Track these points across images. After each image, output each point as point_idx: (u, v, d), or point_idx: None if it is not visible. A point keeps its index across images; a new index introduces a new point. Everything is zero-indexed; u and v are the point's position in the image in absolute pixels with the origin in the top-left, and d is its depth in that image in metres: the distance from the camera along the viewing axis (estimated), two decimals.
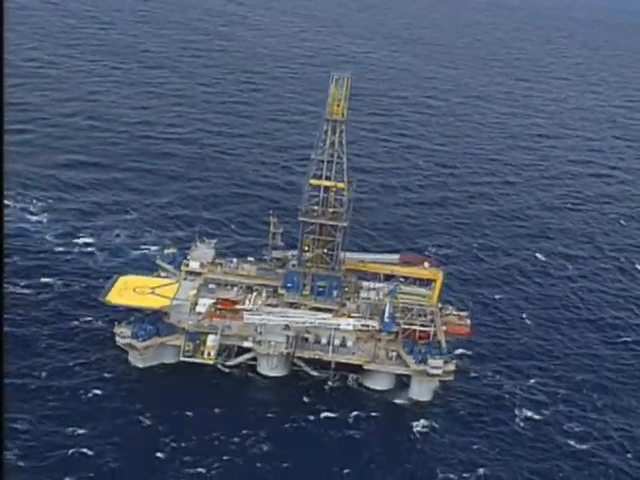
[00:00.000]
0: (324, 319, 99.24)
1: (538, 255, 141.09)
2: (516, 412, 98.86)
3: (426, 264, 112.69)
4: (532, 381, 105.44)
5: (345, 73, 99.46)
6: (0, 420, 48.31)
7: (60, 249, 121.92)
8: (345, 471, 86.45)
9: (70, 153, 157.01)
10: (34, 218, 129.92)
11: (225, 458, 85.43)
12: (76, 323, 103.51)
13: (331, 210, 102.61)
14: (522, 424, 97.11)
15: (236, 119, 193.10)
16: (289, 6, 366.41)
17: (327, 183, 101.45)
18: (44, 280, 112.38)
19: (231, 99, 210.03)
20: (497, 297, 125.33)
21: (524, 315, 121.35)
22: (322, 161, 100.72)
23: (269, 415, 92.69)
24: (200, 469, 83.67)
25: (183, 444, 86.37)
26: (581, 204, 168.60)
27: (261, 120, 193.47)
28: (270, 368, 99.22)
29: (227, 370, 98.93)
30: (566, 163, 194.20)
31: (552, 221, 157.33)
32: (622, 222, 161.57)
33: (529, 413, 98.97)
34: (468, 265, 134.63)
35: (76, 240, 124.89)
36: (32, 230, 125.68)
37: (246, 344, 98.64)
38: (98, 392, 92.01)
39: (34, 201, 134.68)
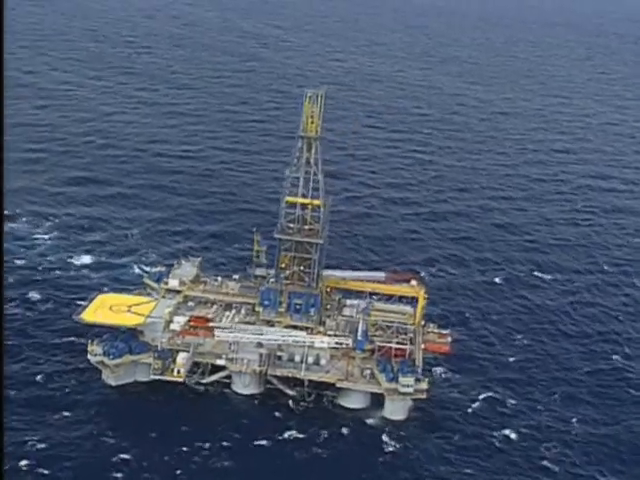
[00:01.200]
0: (297, 337, 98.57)
1: (536, 272, 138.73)
2: (493, 429, 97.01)
3: (413, 282, 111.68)
4: (511, 401, 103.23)
5: (320, 89, 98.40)
6: (0, 420, 52.34)
7: (56, 264, 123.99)
8: None
9: (78, 170, 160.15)
10: (37, 234, 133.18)
11: (183, 477, 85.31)
12: (57, 340, 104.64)
13: (307, 227, 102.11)
14: (499, 442, 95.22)
15: (255, 137, 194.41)
16: (322, 27, 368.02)
17: (303, 200, 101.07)
18: (32, 294, 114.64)
19: (252, 117, 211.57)
20: (486, 312, 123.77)
21: (512, 332, 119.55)
22: (297, 178, 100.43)
23: (236, 434, 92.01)
24: None
25: (144, 463, 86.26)
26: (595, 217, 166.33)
27: (279, 138, 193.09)
28: (244, 386, 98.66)
29: (201, 388, 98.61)
30: (584, 178, 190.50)
31: (568, 235, 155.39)
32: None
33: (506, 431, 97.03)
34: (464, 279, 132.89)
35: (73, 255, 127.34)
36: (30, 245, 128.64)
37: (219, 362, 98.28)
38: (66, 408, 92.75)
39: (38, 217, 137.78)
